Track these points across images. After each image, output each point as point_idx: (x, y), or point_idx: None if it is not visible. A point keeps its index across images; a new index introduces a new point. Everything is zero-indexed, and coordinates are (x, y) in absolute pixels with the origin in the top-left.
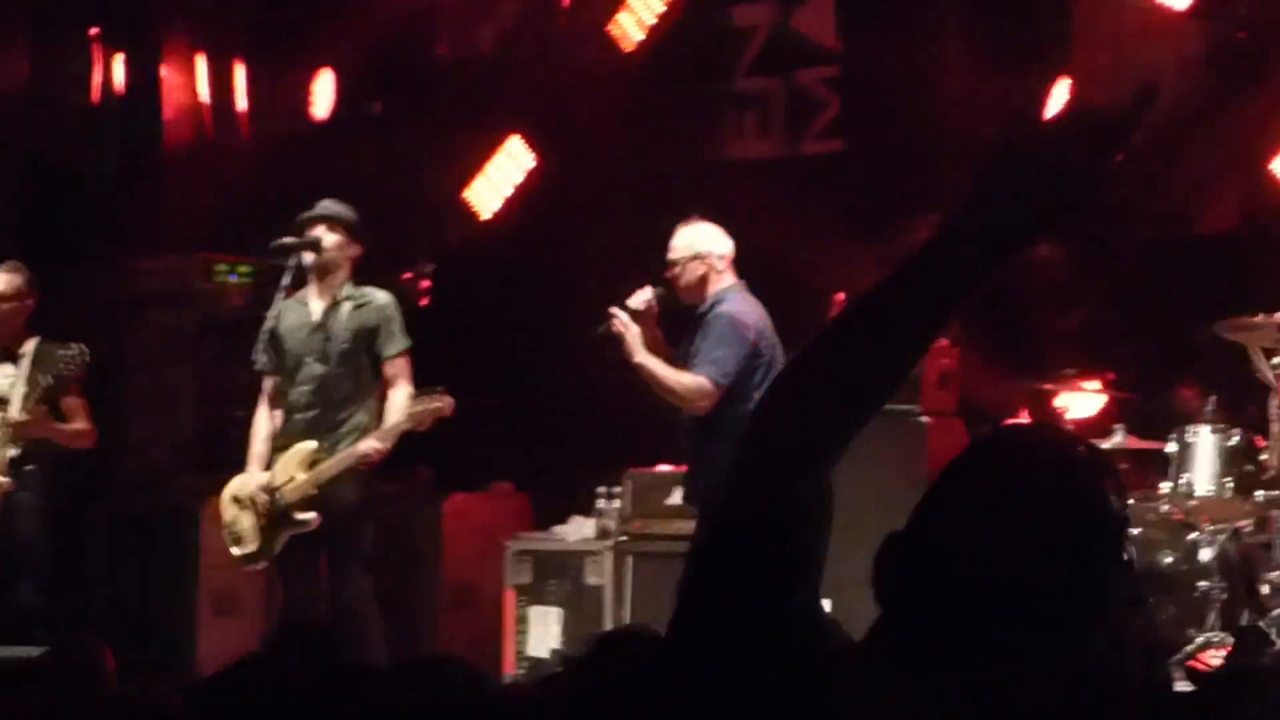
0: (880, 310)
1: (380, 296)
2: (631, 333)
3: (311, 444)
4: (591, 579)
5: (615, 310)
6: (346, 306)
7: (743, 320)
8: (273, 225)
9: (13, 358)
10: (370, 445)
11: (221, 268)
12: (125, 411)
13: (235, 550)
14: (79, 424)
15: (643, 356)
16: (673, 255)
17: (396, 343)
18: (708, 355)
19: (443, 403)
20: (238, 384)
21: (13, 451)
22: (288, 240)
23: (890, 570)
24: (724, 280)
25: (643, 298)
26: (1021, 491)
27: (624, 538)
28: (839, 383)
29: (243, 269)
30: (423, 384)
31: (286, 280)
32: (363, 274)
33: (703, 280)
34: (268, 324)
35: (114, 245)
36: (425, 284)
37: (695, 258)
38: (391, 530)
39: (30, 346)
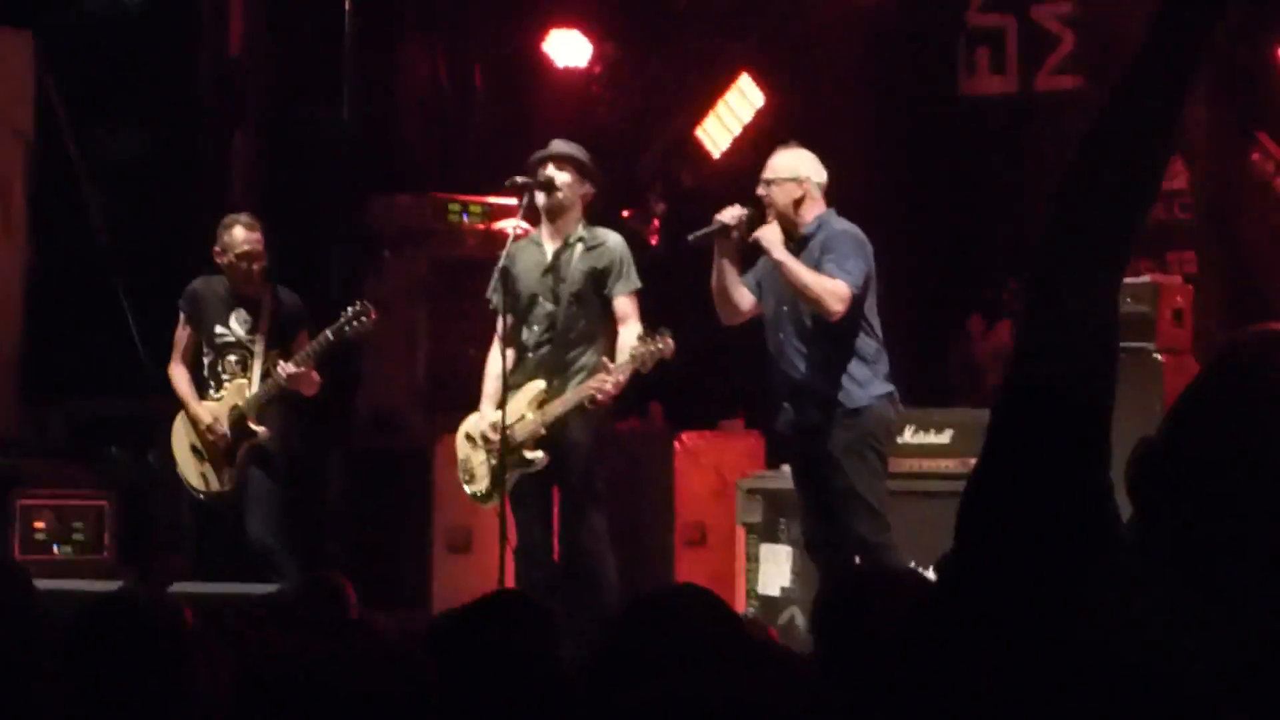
0: (1135, 80)
1: (612, 237)
2: (771, 230)
3: (541, 383)
4: None
5: (721, 216)
6: (578, 247)
7: (864, 238)
8: (508, 165)
9: (251, 304)
10: (599, 383)
11: (455, 207)
12: (361, 351)
13: (468, 488)
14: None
15: (782, 253)
16: (770, 175)
17: (627, 283)
18: (841, 264)
19: (664, 345)
20: (471, 323)
21: (252, 394)
22: (520, 180)
23: (1145, 480)
24: (820, 206)
25: (734, 213)
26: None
27: None
28: (1115, 163)
29: (476, 209)
30: (654, 323)
31: (520, 219)
32: (594, 214)
33: (797, 204)
34: (501, 263)
35: (349, 187)
36: (656, 223)
37: (794, 180)
38: (624, 468)
39: (269, 295)
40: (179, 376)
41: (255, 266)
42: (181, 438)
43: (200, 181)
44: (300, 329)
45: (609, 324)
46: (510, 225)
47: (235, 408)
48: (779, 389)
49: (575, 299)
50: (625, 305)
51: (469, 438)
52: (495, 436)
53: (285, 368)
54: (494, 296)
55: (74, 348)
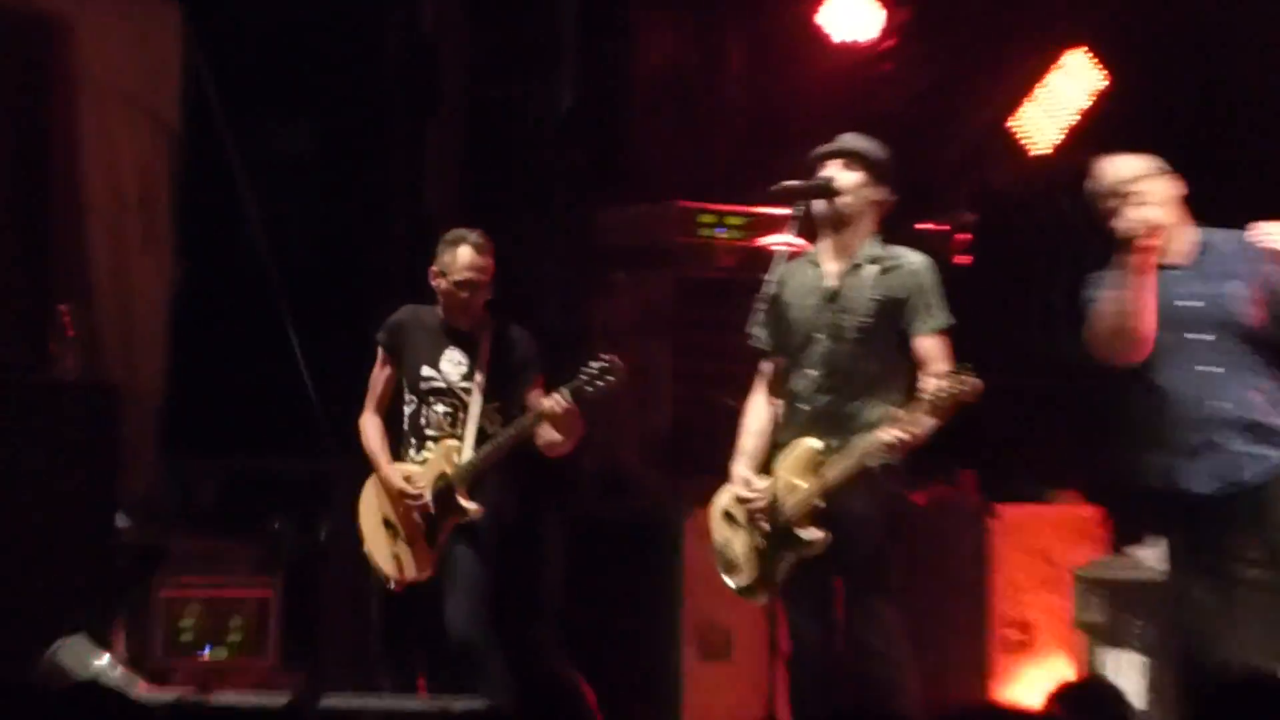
0: None
1: (913, 258)
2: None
3: (817, 442)
4: None
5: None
6: (870, 269)
7: None
8: (773, 165)
9: (468, 342)
10: (887, 436)
11: (707, 219)
12: None
13: (729, 580)
14: (551, 433)
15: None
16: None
17: (933, 317)
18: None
19: (966, 385)
20: (727, 364)
21: (465, 460)
22: (794, 183)
23: None
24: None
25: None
26: None
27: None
28: None
29: (734, 220)
30: (958, 362)
31: (791, 234)
32: (889, 226)
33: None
34: (767, 289)
35: (572, 193)
36: (964, 237)
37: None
38: (925, 551)
39: (490, 332)
40: (372, 430)
41: (478, 297)
42: (372, 509)
43: (386, 184)
44: (532, 378)
45: (906, 370)
46: (780, 242)
47: (442, 475)
48: (1182, 436)
49: (863, 336)
50: (930, 347)
51: (728, 515)
52: (760, 512)
53: (550, 401)
54: (758, 331)
55: (229, 389)
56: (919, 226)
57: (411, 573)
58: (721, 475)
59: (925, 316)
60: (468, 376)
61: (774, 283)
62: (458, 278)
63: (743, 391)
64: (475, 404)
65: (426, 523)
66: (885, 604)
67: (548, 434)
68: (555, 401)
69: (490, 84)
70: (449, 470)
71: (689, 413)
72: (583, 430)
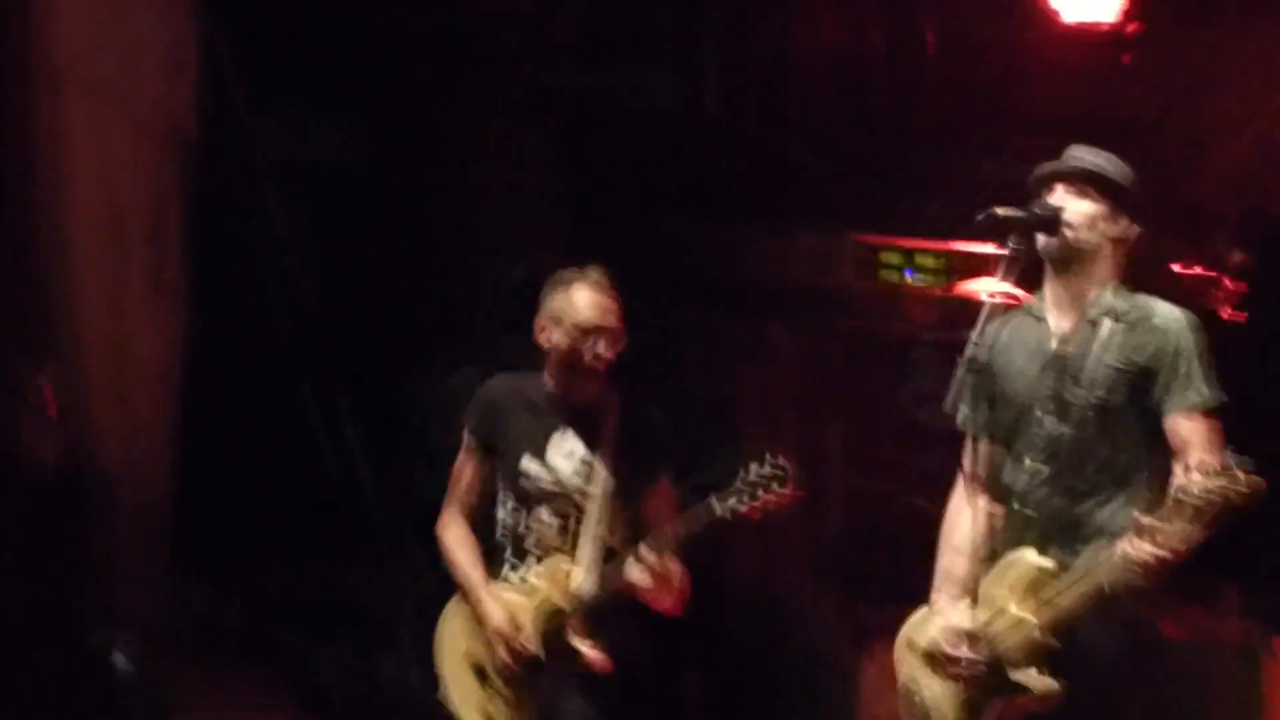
0: None
1: (1167, 312)
2: None
3: (1042, 559)
4: None
5: None
6: (1109, 327)
7: None
8: (979, 187)
9: (586, 421)
10: (1137, 551)
11: (891, 258)
12: None
13: None
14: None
15: None
16: None
17: (1194, 391)
18: None
19: (1241, 483)
20: (917, 450)
21: (582, 588)
22: (1009, 211)
23: None
24: None
25: None
26: None
27: None
28: None
29: (926, 260)
30: (1228, 451)
31: (1003, 278)
32: (1136, 270)
33: None
34: (971, 352)
35: (708, 219)
36: (1235, 286)
37: None
38: (1182, 693)
39: (615, 407)
40: (457, 541)
41: (605, 354)
42: (457, 645)
43: (454, 201)
44: (662, 470)
45: (1158, 461)
46: (987, 288)
47: (551, 608)
48: None
49: (1101, 415)
50: (1190, 430)
51: (920, 650)
52: (966, 650)
53: (644, 558)
54: (960, 406)
55: (259, 479)
56: (1176, 270)
57: None
58: (909, 601)
59: (1183, 390)
60: (584, 475)
61: (981, 343)
62: (581, 322)
63: (941, 489)
64: (595, 510)
65: (530, 671)
66: None
67: (644, 590)
68: (644, 558)
69: (595, 72)
70: (559, 600)
71: (868, 517)
72: (686, 590)
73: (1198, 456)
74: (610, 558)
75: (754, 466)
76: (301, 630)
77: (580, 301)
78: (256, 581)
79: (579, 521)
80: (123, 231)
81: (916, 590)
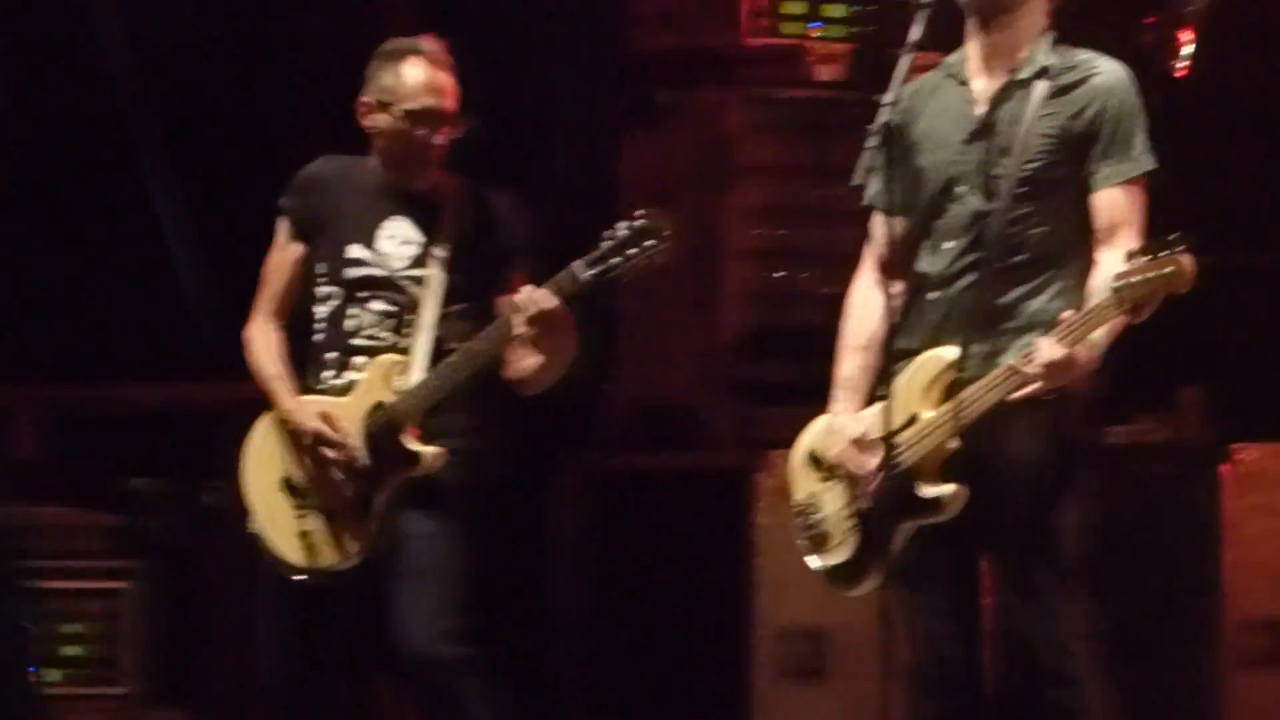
0: None
1: (1105, 68)
2: None
3: (952, 352)
4: None
5: None
6: (1040, 88)
7: None
8: None
9: (421, 207)
10: (1048, 354)
11: (792, 7)
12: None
13: (814, 560)
14: (518, 358)
15: None
16: None
17: (1128, 159)
18: None
19: (1171, 266)
20: (822, 231)
21: (417, 380)
22: None
23: None
24: None
25: None
26: None
27: None
28: None
29: (834, 10)
30: (1156, 232)
31: (917, 35)
32: (1070, 20)
33: None
34: (882, 117)
35: None
36: (1186, 36)
37: None
38: (1123, 515)
39: (455, 193)
40: (264, 344)
41: (439, 137)
42: (265, 466)
43: None
44: (516, 269)
45: (1089, 237)
46: (902, 51)
47: (379, 407)
48: None
49: (1029, 188)
50: (1124, 205)
51: (817, 463)
52: (865, 458)
53: (530, 298)
54: (870, 182)
55: (63, 281)
56: (1146, 25)
57: (330, 558)
58: (811, 406)
59: (1115, 158)
60: (419, 261)
61: (894, 107)
62: (409, 106)
63: (846, 275)
64: (431, 302)
65: (355, 481)
66: (1061, 593)
67: (521, 355)
68: (535, 297)
69: None
70: (388, 398)
71: (765, 313)
72: (571, 350)
73: (1125, 235)
74: (443, 357)
75: (621, 224)
76: (112, 455)
77: (413, 77)
78: (58, 398)
79: (412, 315)
80: None
81: (818, 396)
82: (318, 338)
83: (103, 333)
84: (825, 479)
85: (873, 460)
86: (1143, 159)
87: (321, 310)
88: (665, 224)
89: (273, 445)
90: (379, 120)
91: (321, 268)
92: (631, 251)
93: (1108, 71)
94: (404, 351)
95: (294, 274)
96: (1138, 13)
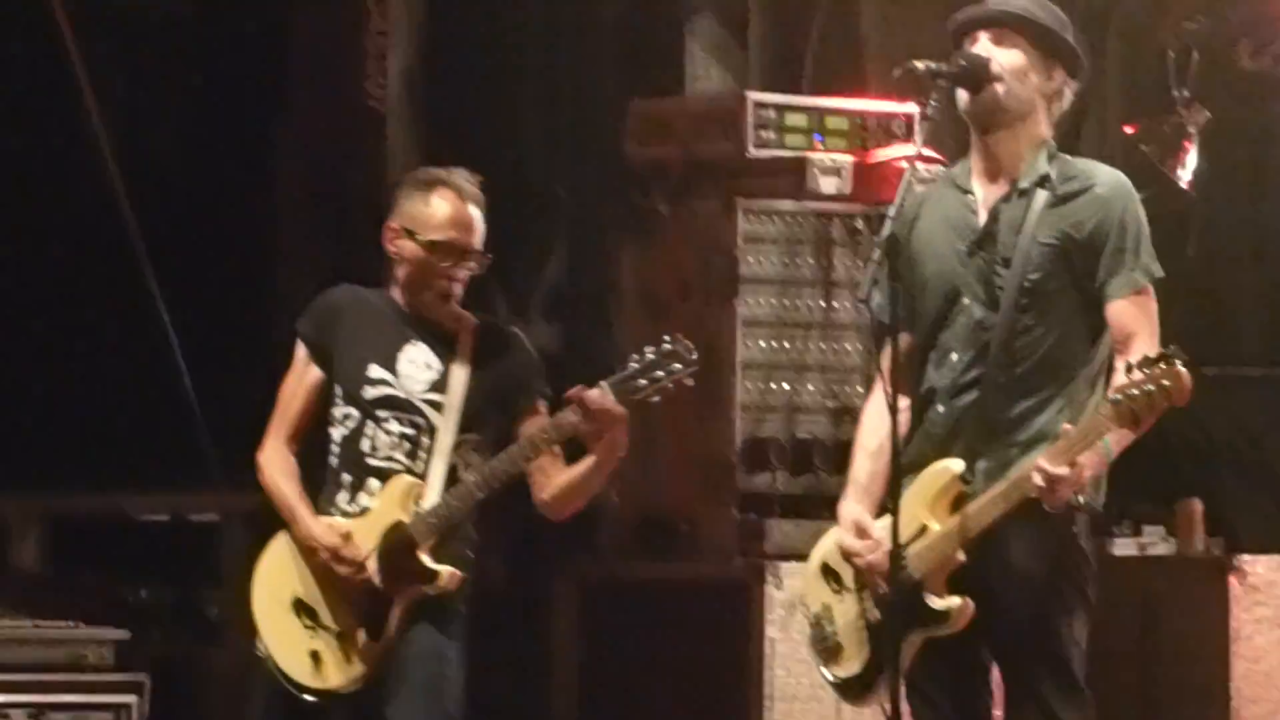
0: None
1: (1106, 177)
2: None
3: (958, 464)
4: None
5: None
6: (1040, 197)
7: None
8: (892, 38)
9: (437, 335)
10: (1051, 468)
11: (794, 120)
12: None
13: (826, 671)
14: (556, 473)
15: None
16: None
17: (1140, 268)
18: None
19: (1170, 380)
20: (825, 343)
21: (430, 505)
22: (925, 64)
23: None
24: None
25: None
26: None
27: None
28: None
29: (835, 123)
30: (1166, 339)
31: (920, 141)
32: (1071, 130)
33: None
34: (887, 229)
35: (586, 79)
36: (1187, 147)
37: None
38: (1128, 627)
39: (471, 325)
40: (279, 466)
41: (462, 272)
42: (275, 586)
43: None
44: (531, 402)
45: (1097, 349)
46: (905, 155)
47: (397, 527)
48: None
49: (1031, 299)
50: (1132, 315)
51: (829, 574)
52: (875, 565)
53: (589, 397)
54: (873, 293)
55: (66, 392)
56: (1127, 129)
57: (338, 679)
58: (819, 517)
59: (1123, 270)
60: (438, 386)
61: (897, 219)
62: (434, 237)
63: (848, 387)
64: (448, 427)
65: (368, 600)
66: (1067, 705)
67: (551, 474)
68: (598, 396)
69: None
70: (405, 519)
71: (769, 423)
72: (618, 457)
73: (1150, 345)
74: (457, 476)
75: (648, 349)
76: (117, 565)
77: (441, 210)
78: (62, 508)
79: (429, 439)
80: None
81: (827, 507)
82: (333, 460)
83: (103, 443)
84: (838, 590)
85: (880, 552)
86: (1151, 267)
87: (337, 432)
88: (691, 349)
89: (284, 565)
90: (403, 247)
91: (339, 389)
92: (658, 375)
93: (1108, 182)
94: (419, 476)
95: (310, 399)
96: (1141, 122)
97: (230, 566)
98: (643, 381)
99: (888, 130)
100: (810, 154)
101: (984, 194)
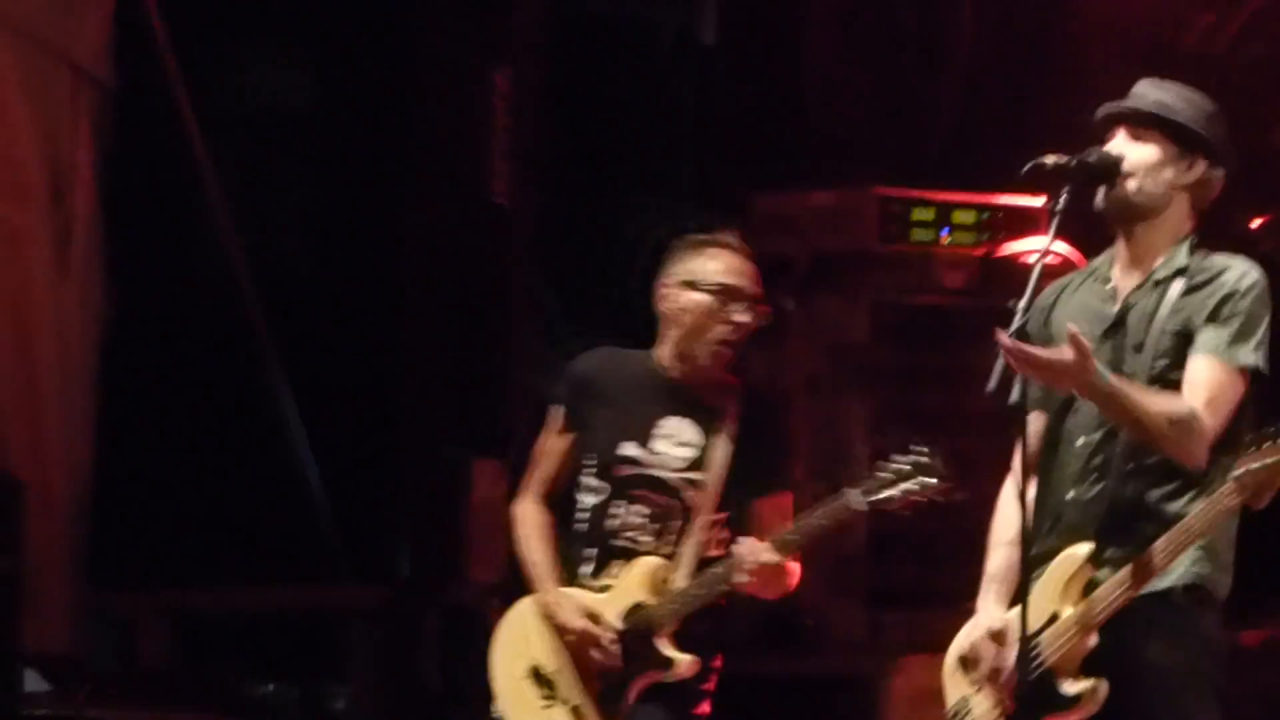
0: None
1: (1241, 268)
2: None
3: (1084, 548)
4: None
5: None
6: (1176, 286)
7: None
8: (1025, 132)
9: (699, 409)
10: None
11: (923, 214)
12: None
13: None
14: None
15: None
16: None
17: (1237, 339)
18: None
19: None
20: (958, 437)
21: (677, 589)
22: (1057, 159)
23: None
24: None
25: None
26: None
27: None
28: None
29: (964, 216)
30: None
31: (1053, 237)
32: (1211, 226)
33: None
34: (1019, 320)
35: (714, 172)
36: None
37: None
38: (1259, 715)
39: (735, 395)
40: (534, 526)
41: (745, 316)
42: (515, 651)
43: (411, 156)
44: (783, 481)
45: (1237, 440)
46: (1034, 249)
47: (638, 608)
48: None
49: (1162, 385)
50: (1200, 374)
51: (965, 664)
52: (1003, 652)
53: (752, 549)
54: (1013, 385)
55: (188, 488)
56: (1256, 223)
57: None
58: (951, 610)
59: (1213, 329)
60: (696, 464)
61: (1028, 310)
62: (721, 279)
63: (971, 481)
64: (705, 507)
65: (606, 679)
66: None
67: (756, 584)
68: (756, 550)
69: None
70: (649, 602)
71: (892, 518)
72: (784, 591)
73: (1206, 412)
74: (705, 565)
75: (898, 456)
76: (241, 661)
77: (720, 262)
78: (186, 603)
79: (680, 522)
80: (25, 197)
81: (956, 600)
82: (579, 527)
83: (230, 539)
84: (975, 682)
85: (1009, 655)
86: (1245, 349)
87: (586, 500)
88: (942, 462)
89: (525, 630)
90: (683, 299)
91: (591, 459)
92: (909, 487)
93: (1240, 269)
94: (668, 556)
95: (565, 462)
96: (1264, 214)
97: (355, 662)
98: (890, 492)
99: (1017, 224)
100: (936, 248)
101: (1122, 283)
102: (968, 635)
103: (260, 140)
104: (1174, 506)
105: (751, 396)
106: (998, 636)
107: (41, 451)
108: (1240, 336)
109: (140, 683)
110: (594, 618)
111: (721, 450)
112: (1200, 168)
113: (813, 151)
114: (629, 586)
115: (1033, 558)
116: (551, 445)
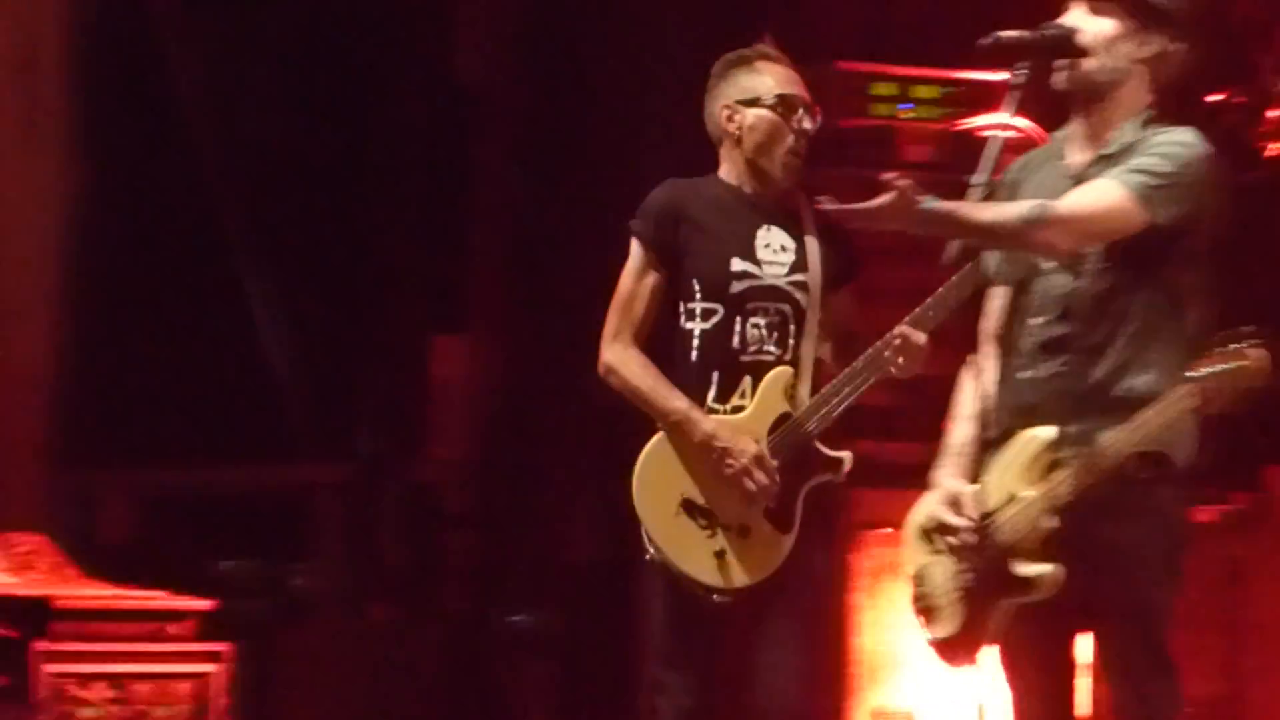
0: None
1: (1176, 133)
2: None
3: (1048, 431)
4: None
5: None
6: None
7: None
8: (983, 6)
9: (784, 216)
10: (1128, 432)
11: (884, 89)
12: None
13: (926, 630)
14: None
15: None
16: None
17: (1141, 182)
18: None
19: (1249, 360)
20: (904, 310)
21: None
22: (1015, 34)
23: None
24: None
25: None
26: None
27: None
28: None
29: (926, 92)
30: (1236, 320)
31: (1011, 111)
32: (1171, 100)
33: None
34: (979, 195)
35: (679, 51)
36: (1272, 116)
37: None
38: (1218, 598)
39: (805, 197)
40: (641, 368)
41: (808, 122)
42: (659, 489)
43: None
44: (854, 273)
45: (1182, 312)
46: (994, 123)
47: (786, 419)
48: None
49: (1113, 262)
50: (1089, 187)
51: (926, 535)
52: (969, 529)
53: (909, 333)
54: (973, 257)
55: (154, 367)
56: (1210, 98)
57: (748, 575)
58: (911, 479)
59: (1119, 168)
60: (798, 266)
61: (986, 184)
62: (781, 91)
63: (948, 356)
64: (814, 306)
65: (771, 495)
66: (1156, 676)
67: (908, 364)
68: (909, 333)
69: None
70: (793, 410)
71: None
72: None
73: (1069, 207)
74: (818, 368)
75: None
76: (202, 537)
77: (773, 74)
78: (149, 482)
79: (795, 326)
80: None
81: (920, 465)
82: (693, 355)
83: (191, 416)
84: (934, 552)
85: (967, 525)
86: (1142, 182)
87: (697, 327)
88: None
89: (665, 467)
90: (746, 117)
91: (697, 285)
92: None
93: (1179, 134)
94: (791, 363)
95: (653, 301)
96: (1225, 90)
97: (316, 539)
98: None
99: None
100: (896, 122)
101: (1076, 160)
102: (927, 505)
103: (232, 14)
104: (1126, 382)
105: (812, 197)
106: (955, 506)
107: (5, 327)
108: (1141, 171)
109: (99, 557)
110: (739, 435)
111: (813, 249)
112: (1160, 41)
113: (772, 28)
114: (769, 400)
115: (993, 438)
116: (637, 286)
